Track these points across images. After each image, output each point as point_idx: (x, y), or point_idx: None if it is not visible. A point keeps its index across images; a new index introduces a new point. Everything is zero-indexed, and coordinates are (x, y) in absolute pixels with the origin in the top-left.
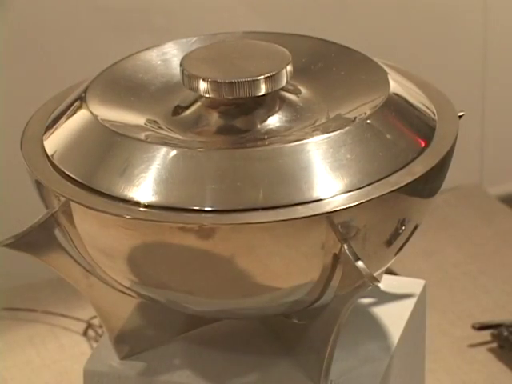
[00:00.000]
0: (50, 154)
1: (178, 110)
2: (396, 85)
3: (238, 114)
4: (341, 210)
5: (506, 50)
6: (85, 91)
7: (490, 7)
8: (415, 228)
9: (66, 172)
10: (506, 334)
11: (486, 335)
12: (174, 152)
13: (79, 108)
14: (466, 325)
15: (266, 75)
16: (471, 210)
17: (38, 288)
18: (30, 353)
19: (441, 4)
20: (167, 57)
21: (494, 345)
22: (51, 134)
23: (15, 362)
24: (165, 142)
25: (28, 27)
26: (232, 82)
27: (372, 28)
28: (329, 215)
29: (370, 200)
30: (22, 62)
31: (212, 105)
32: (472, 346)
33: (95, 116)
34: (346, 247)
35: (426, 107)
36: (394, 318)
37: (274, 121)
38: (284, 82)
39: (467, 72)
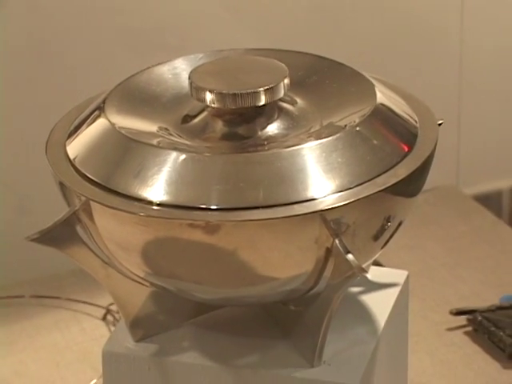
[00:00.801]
0: (72, 158)
1: (186, 118)
2: (382, 96)
3: (240, 122)
4: (333, 208)
5: (479, 65)
6: (103, 102)
7: (465, 28)
8: (399, 224)
9: (87, 174)
10: (480, 318)
11: (462, 320)
12: (183, 156)
13: (98, 117)
14: (444, 311)
15: (266, 87)
16: (449, 208)
17: (61, 278)
18: (55, 336)
19: (421, 25)
20: (177, 71)
21: (470, 328)
22: (73, 140)
23: (42, 343)
24: (175, 148)
25: (56, 47)
26: (235, 94)
27: (361, 45)
28: (322, 213)
29: (358, 199)
30: (48, 75)
31: (217, 114)
32: (450, 329)
33: (113, 124)
34: (337, 241)
35: (409, 116)
36: (380, 304)
37: (273, 128)
38: (282, 94)
39: (445, 85)
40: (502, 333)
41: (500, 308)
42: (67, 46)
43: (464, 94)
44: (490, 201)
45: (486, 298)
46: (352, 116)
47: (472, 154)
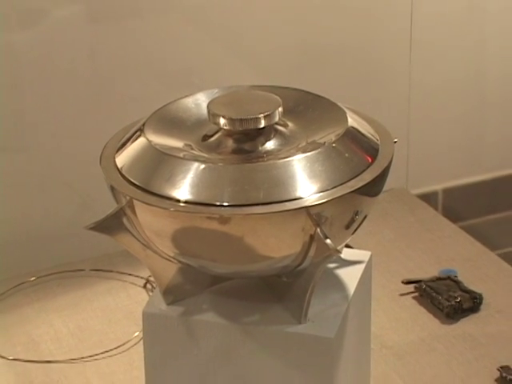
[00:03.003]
0: (119, 167)
1: (205, 137)
2: (352, 120)
3: (245, 140)
4: (315, 205)
5: (423, 95)
6: (143, 125)
7: (413, 67)
8: (365, 217)
9: (130, 179)
10: (424, 287)
11: (411, 288)
12: (202, 166)
13: (139, 136)
14: (398, 281)
15: (265, 114)
16: (400, 204)
17: (112, 256)
18: (108, 300)
19: (379, 66)
20: (198, 102)
21: (416, 294)
22: (120, 153)
23: (98, 305)
24: (196, 159)
25: (113, 84)
26: (242, 119)
27: (336, 83)
28: (307, 208)
29: (334, 198)
30: (103, 106)
31: (228, 134)
32: (401, 295)
33: (150, 141)
34: (318, 230)
35: (372, 135)
36: (350, 277)
37: (270, 145)
38: (277, 119)
39: (397, 112)
40: (440, 297)
41: (439, 279)
42: (121, 84)
43: (412, 120)
44: (430, 198)
45: (428, 272)
46: (329, 135)
47: (417, 164)
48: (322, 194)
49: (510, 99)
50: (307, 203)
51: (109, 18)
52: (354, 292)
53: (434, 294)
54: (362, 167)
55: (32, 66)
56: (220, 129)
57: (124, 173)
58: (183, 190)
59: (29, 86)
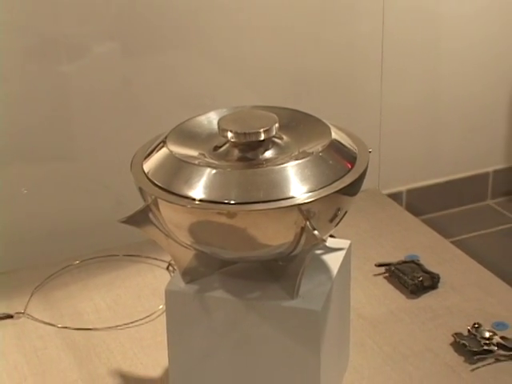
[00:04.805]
0: (146, 172)
1: (216, 148)
2: (335, 134)
3: (249, 150)
4: (305, 203)
5: (393, 115)
6: (166, 137)
7: (383, 90)
8: (345, 213)
9: (155, 182)
10: (393, 268)
11: (382, 269)
12: (214, 171)
13: (162, 147)
14: (371, 263)
15: (264, 129)
16: (373, 202)
17: (141, 244)
18: (137, 280)
19: (356, 89)
20: (210, 119)
21: (387, 275)
22: (147, 161)
23: (130, 284)
24: (209, 166)
25: (141, 105)
26: (246, 132)
27: (321, 103)
28: (299, 206)
29: (321, 197)
30: (133, 121)
31: (235, 145)
32: (375, 275)
33: (171, 151)
34: (308, 223)
35: (351, 146)
36: (333, 261)
37: (269, 154)
38: (274, 133)
39: (370, 127)
40: (406, 277)
41: (405, 262)
42: (147, 105)
43: (382, 134)
44: (396, 197)
45: (396, 256)
46: (317, 146)
47: (387, 169)
48: (311, 193)
49: (461, 117)
50: (299, 201)
51: (139, 52)
52: (337, 273)
53: (401, 274)
54: (343, 172)
55: (78, 91)
56: (228, 141)
57: (150, 177)
58: (198, 190)
59: (75, 107)
